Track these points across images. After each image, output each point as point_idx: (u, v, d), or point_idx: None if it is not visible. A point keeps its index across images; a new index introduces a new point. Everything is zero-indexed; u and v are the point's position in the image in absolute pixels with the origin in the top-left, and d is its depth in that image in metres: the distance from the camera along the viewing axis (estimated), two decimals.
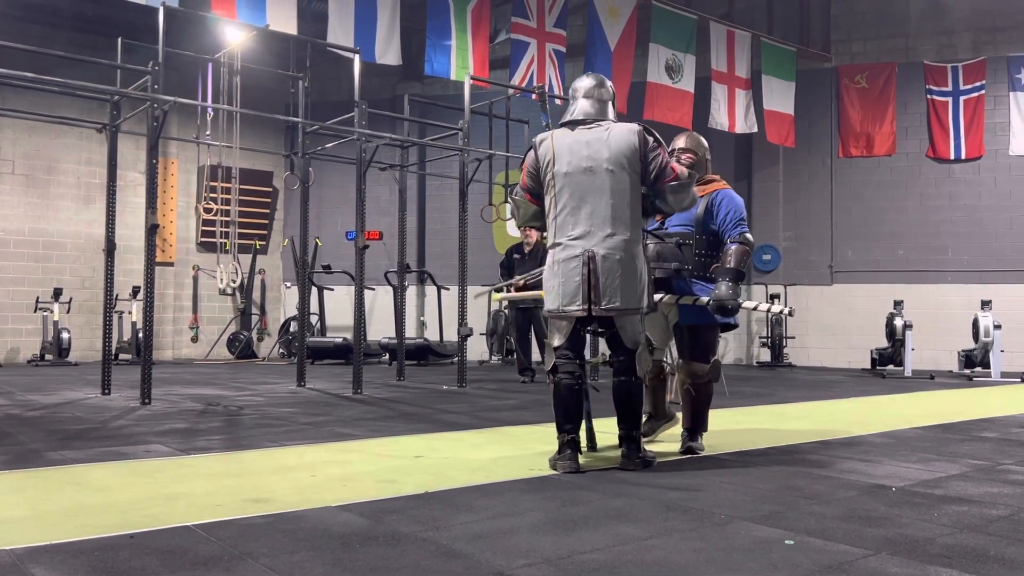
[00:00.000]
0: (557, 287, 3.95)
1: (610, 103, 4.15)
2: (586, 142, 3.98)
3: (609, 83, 4.23)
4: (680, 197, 4.03)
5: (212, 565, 2.39)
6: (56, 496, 3.34)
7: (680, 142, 4.66)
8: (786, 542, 2.32)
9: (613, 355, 4.09)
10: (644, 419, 4.81)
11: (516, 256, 9.55)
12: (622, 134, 3.96)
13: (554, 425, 4.02)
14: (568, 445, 3.91)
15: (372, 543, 2.63)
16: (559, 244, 3.98)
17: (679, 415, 4.70)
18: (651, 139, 4.00)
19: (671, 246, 4.44)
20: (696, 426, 4.52)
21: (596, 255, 3.88)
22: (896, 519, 3.02)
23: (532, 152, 4.13)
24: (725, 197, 4.49)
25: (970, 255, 12.90)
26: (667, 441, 4.78)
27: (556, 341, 4.04)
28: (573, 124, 4.09)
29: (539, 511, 3.11)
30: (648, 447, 4.31)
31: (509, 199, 4.28)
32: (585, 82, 4.18)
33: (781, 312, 4.63)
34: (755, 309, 4.55)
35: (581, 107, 4.11)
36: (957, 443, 5.00)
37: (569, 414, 3.94)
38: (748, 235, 4.37)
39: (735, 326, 4.59)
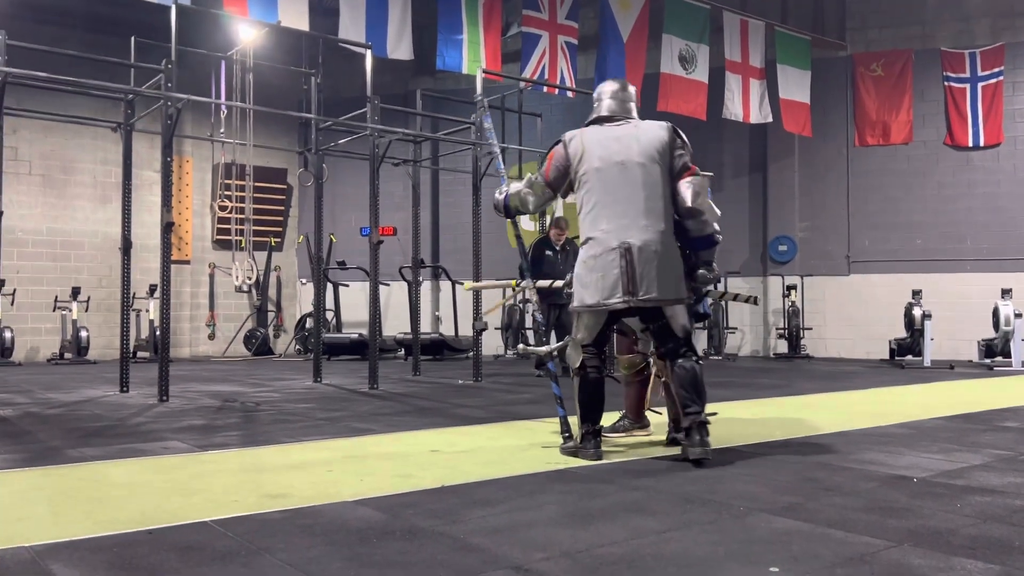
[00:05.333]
0: (596, 281, 3.95)
1: (633, 104, 4.29)
2: (616, 137, 4.06)
3: (632, 87, 4.37)
4: (699, 201, 4.06)
5: (229, 560, 2.39)
6: (75, 493, 3.35)
7: None
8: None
9: (662, 345, 4.11)
10: (618, 418, 4.80)
11: (548, 253, 9.29)
12: (652, 129, 4.09)
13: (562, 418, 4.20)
14: (593, 435, 4.01)
15: (389, 537, 2.62)
16: (592, 239, 3.99)
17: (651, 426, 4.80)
18: (679, 139, 4.12)
19: None
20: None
21: (633, 246, 3.90)
22: (918, 510, 2.98)
23: (561, 147, 4.14)
24: None
25: (989, 243, 12.75)
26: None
27: (583, 336, 4.08)
28: (600, 121, 4.21)
29: (556, 504, 3.10)
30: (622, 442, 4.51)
31: (524, 184, 4.34)
32: (609, 86, 4.32)
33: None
34: None
35: (607, 106, 4.23)
36: (979, 433, 4.94)
37: (594, 406, 4.04)
38: None
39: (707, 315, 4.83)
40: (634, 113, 4.24)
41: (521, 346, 4.80)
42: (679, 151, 4.07)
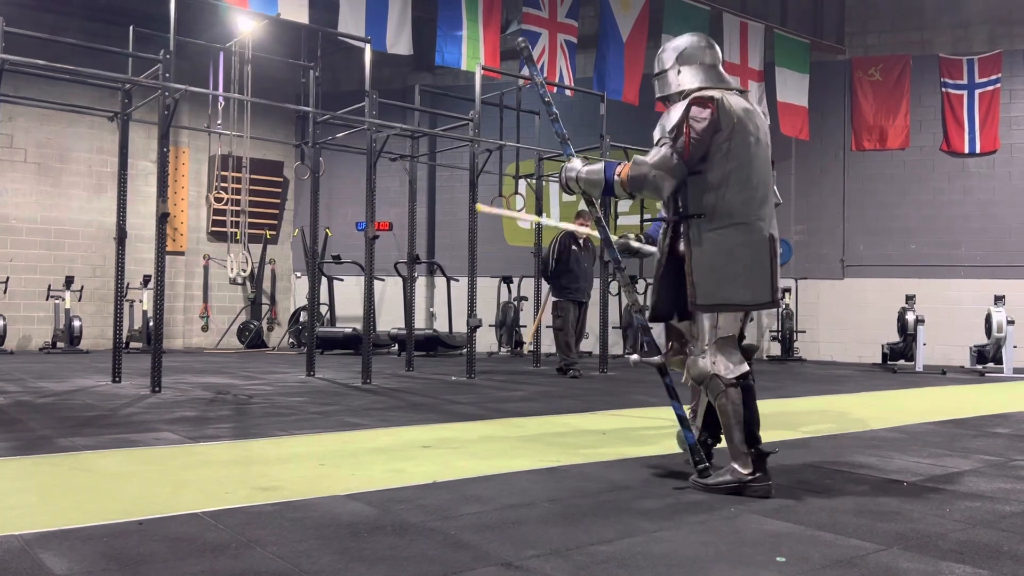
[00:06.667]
0: (747, 273, 3.30)
1: None
2: (754, 110, 3.45)
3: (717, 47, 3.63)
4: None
5: (220, 552, 2.39)
6: (66, 482, 3.35)
7: None
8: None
9: None
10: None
11: (575, 247, 9.14)
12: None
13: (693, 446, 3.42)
14: (763, 458, 3.22)
15: (379, 532, 2.63)
16: (744, 223, 3.29)
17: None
18: None
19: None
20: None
21: (776, 238, 3.38)
22: (908, 514, 3.00)
23: (711, 111, 3.27)
24: None
25: (983, 250, 12.79)
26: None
27: (731, 334, 3.35)
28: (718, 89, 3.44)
29: (547, 502, 3.10)
30: None
31: (652, 161, 3.31)
32: (706, 40, 3.57)
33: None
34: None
35: (717, 74, 3.50)
36: (969, 438, 4.96)
37: (758, 421, 3.28)
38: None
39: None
40: None
41: (635, 357, 3.69)
42: None
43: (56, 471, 3.57)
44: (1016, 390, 8.73)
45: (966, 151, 13.01)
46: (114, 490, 3.21)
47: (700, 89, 3.40)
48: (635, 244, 3.89)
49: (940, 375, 10.60)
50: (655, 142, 3.37)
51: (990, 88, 12.91)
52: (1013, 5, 12.89)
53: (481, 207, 5.53)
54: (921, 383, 9.31)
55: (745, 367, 3.29)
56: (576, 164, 3.57)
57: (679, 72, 3.53)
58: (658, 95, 3.64)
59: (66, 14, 12.91)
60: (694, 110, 3.29)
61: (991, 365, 10.85)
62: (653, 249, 4.00)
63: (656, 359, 3.57)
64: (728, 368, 3.27)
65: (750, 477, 3.20)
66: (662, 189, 3.34)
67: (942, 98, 13.19)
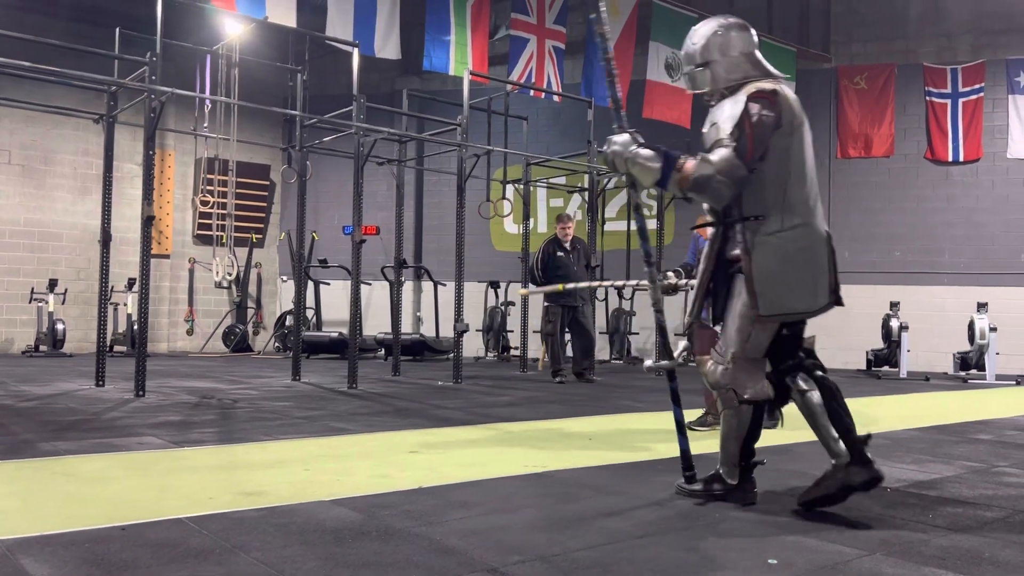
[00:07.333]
0: (808, 280, 3.12)
1: None
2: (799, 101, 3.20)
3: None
4: None
5: (203, 558, 2.37)
6: (48, 487, 3.32)
7: None
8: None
9: (789, 358, 3.25)
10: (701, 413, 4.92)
11: (560, 253, 9.02)
12: None
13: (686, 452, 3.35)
14: (752, 468, 3.24)
15: (364, 538, 2.62)
16: (804, 224, 3.09)
17: None
18: None
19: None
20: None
21: (831, 236, 3.18)
22: (891, 520, 3.02)
23: (772, 109, 3.03)
24: None
25: (967, 257, 12.90)
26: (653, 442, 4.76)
27: (755, 351, 3.14)
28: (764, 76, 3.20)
29: (533, 508, 3.10)
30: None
31: (717, 162, 2.99)
32: (729, 24, 3.25)
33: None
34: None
35: (760, 62, 3.21)
36: (952, 445, 5.00)
37: (757, 437, 3.23)
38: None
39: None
40: None
41: (649, 362, 3.48)
42: None
43: (38, 476, 3.54)
44: (998, 396, 8.81)
45: (950, 159, 13.13)
46: (97, 495, 3.19)
47: (748, 80, 3.13)
48: (678, 282, 3.90)
49: (924, 381, 10.68)
50: (711, 142, 3.07)
51: (973, 97, 13.04)
52: (996, 15, 13.02)
53: (523, 291, 5.75)
54: (905, 389, 9.38)
55: (765, 394, 3.13)
56: (627, 140, 3.11)
57: (721, 64, 3.20)
58: (693, 90, 3.32)
59: (51, 15, 12.82)
60: (754, 107, 3.00)
61: (974, 372, 10.93)
62: (693, 282, 3.74)
63: (667, 363, 3.37)
64: (747, 387, 3.11)
65: (736, 484, 3.21)
66: (723, 196, 3.05)
67: (926, 107, 13.31)
